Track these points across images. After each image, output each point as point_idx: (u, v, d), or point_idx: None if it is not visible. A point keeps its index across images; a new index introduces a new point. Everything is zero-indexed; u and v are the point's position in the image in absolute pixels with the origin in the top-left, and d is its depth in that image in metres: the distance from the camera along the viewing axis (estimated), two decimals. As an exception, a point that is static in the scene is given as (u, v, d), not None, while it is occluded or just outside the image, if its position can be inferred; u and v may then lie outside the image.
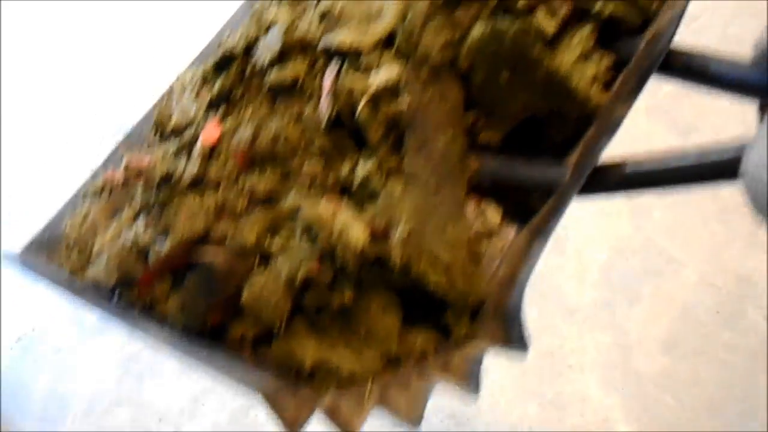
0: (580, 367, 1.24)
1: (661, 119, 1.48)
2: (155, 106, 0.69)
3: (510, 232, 0.56)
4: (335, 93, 0.55)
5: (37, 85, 2.13)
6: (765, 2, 1.43)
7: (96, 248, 0.61)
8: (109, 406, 1.40)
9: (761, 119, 0.48)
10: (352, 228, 0.51)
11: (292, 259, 0.52)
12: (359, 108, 0.53)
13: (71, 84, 2.09)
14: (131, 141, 0.69)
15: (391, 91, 0.53)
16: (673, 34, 0.53)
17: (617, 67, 0.56)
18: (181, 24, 2.11)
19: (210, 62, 0.64)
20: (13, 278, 1.55)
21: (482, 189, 0.57)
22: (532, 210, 0.55)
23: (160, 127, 0.66)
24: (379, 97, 0.53)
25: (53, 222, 0.66)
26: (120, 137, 0.71)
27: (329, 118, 0.54)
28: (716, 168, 0.47)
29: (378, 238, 0.51)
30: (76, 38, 2.23)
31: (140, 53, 2.10)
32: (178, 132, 0.63)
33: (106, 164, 0.68)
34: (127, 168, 0.64)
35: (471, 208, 0.57)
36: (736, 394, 1.15)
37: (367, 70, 0.55)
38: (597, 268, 1.35)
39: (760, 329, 1.20)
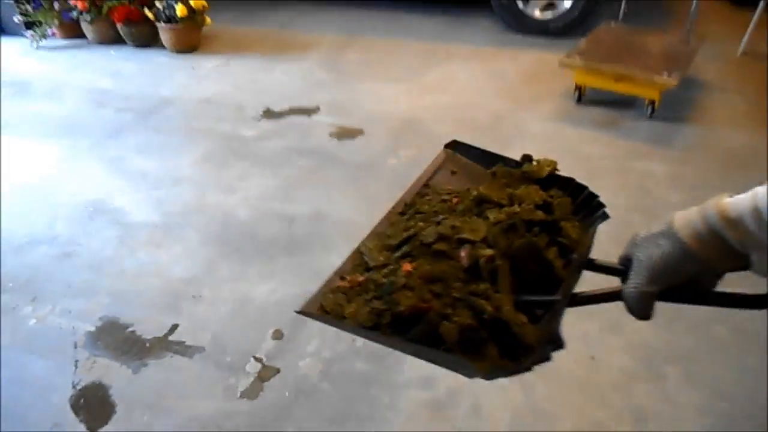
0: None
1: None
2: (349, 258, 1.40)
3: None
4: (468, 256, 1.31)
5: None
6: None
7: (345, 312, 1.25)
8: None
9: None
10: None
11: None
12: (481, 262, 1.30)
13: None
14: (342, 270, 1.37)
15: (491, 258, 1.31)
16: (588, 252, 1.41)
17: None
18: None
19: (390, 242, 1.38)
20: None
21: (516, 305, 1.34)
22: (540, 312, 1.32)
23: (360, 267, 1.37)
24: (486, 258, 1.31)
25: (312, 299, 1.29)
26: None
27: (468, 266, 1.30)
28: None
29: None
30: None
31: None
32: (377, 268, 1.34)
33: (335, 276, 1.35)
34: (350, 281, 1.32)
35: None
36: None
37: (479, 248, 1.34)
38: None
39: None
